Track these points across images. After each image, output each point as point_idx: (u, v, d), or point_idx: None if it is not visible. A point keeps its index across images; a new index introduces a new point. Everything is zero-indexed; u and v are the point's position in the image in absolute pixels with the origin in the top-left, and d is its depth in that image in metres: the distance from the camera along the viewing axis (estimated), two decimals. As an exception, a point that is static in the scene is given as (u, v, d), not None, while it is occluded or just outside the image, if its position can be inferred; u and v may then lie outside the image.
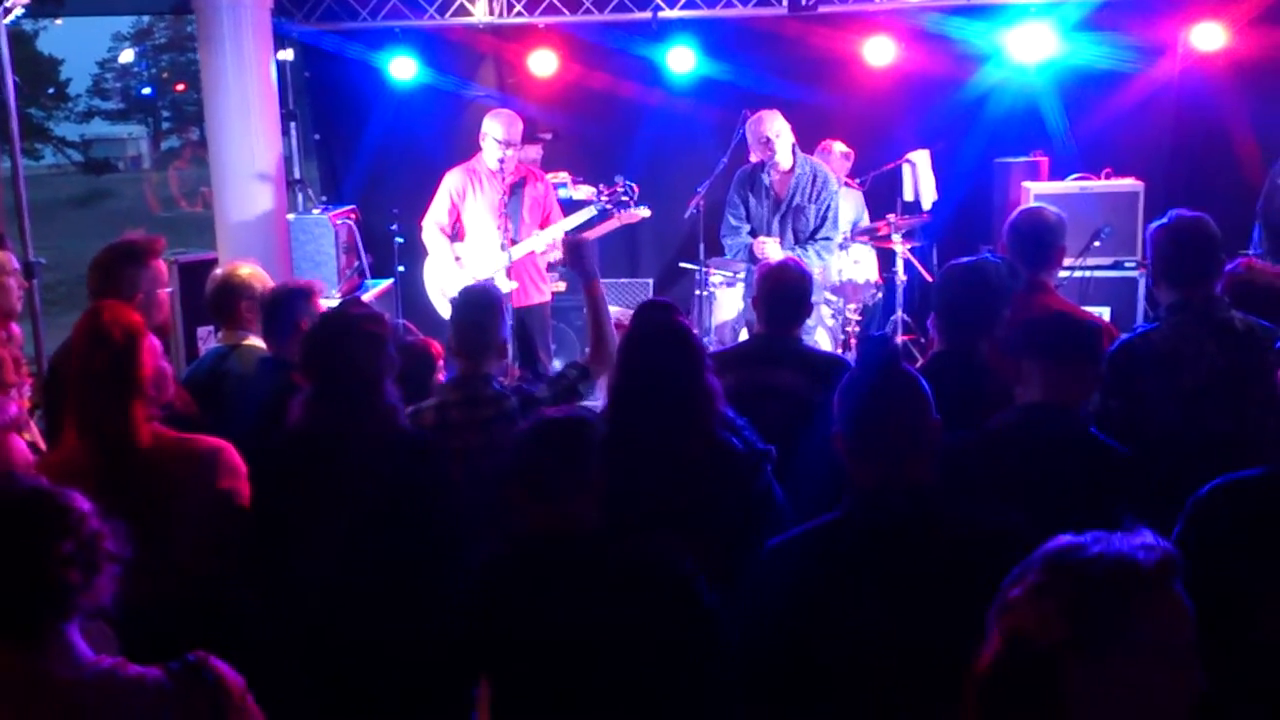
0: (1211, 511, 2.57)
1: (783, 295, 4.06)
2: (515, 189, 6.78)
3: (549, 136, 8.30)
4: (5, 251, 4.59)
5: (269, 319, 4.05)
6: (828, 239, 6.54)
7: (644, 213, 7.36)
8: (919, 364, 3.50)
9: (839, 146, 8.12)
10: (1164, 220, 3.77)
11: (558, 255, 7.19)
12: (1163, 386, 3.49)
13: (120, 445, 2.90)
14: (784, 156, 6.52)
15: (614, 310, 6.05)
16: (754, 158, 6.63)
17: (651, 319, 3.30)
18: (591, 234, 6.87)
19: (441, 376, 4.26)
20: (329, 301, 6.73)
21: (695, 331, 3.30)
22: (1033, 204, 5.75)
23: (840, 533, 2.45)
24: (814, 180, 6.54)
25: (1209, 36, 7.74)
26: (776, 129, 6.49)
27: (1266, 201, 6.20)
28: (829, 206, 6.53)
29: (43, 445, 3.72)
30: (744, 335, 6.78)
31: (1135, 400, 3.52)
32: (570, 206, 7.31)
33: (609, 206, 7.22)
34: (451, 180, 6.85)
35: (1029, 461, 2.92)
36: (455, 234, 6.88)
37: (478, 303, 3.83)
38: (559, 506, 2.65)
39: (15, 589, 1.87)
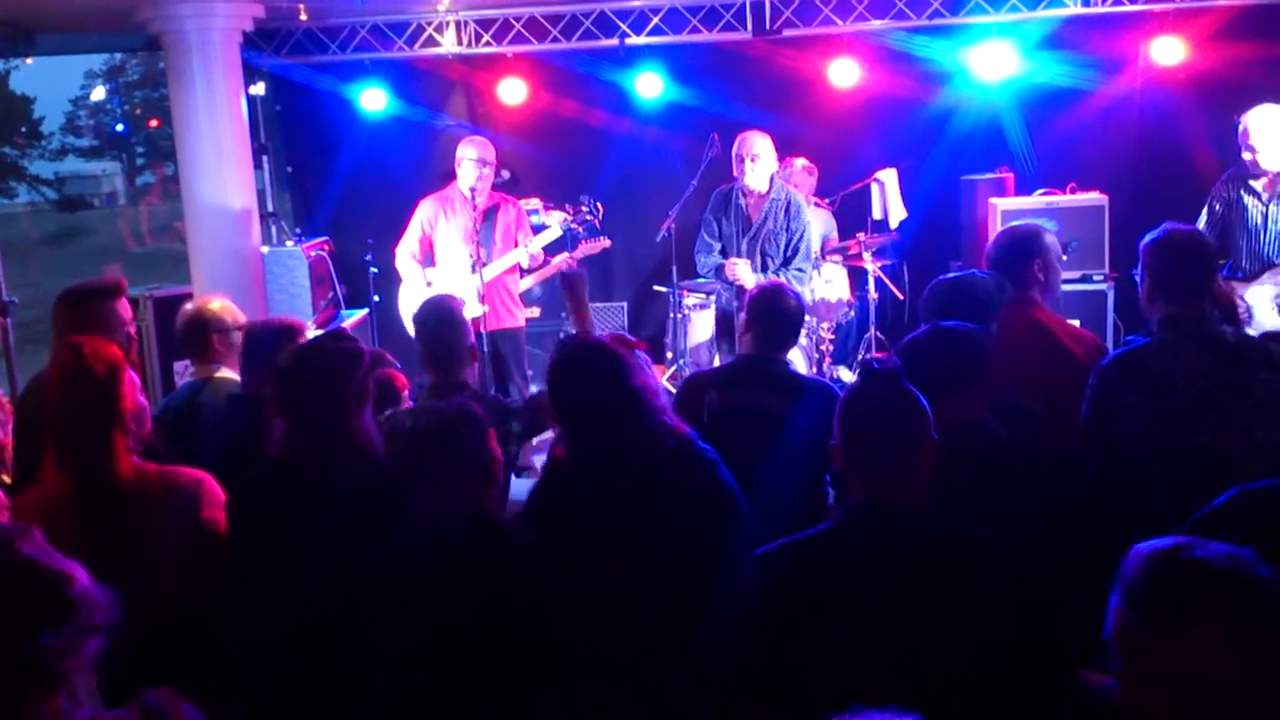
0: (1227, 521, 2.51)
1: (777, 317, 4.05)
2: (487, 215, 6.83)
3: (506, 175, 8.33)
4: None
5: (247, 355, 4.02)
6: (800, 270, 6.40)
7: (604, 243, 7.39)
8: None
9: (799, 162, 8.06)
10: (1157, 235, 3.59)
11: (530, 282, 7.23)
12: (1152, 404, 3.41)
13: (102, 479, 2.91)
14: (756, 180, 6.39)
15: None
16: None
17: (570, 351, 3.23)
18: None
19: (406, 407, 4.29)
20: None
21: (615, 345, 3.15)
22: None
23: (833, 542, 2.47)
24: (787, 209, 6.42)
25: (1168, 51, 7.86)
26: (755, 151, 6.37)
27: (1210, 218, 6.10)
28: (801, 236, 6.41)
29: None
30: (717, 359, 6.78)
31: (1121, 414, 3.44)
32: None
33: (574, 226, 7.27)
34: (424, 209, 6.91)
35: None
36: (428, 262, 6.92)
37: (436, 313, 3.90)
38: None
39: (5, 676, 1.82)
